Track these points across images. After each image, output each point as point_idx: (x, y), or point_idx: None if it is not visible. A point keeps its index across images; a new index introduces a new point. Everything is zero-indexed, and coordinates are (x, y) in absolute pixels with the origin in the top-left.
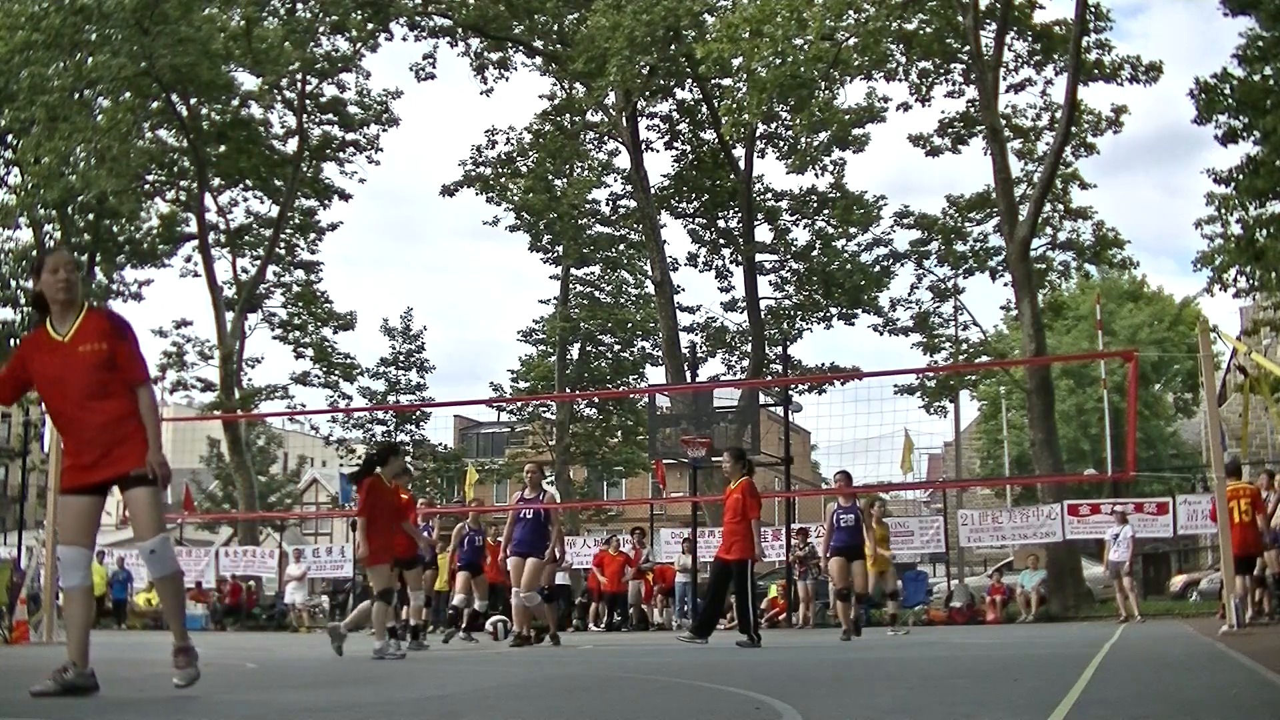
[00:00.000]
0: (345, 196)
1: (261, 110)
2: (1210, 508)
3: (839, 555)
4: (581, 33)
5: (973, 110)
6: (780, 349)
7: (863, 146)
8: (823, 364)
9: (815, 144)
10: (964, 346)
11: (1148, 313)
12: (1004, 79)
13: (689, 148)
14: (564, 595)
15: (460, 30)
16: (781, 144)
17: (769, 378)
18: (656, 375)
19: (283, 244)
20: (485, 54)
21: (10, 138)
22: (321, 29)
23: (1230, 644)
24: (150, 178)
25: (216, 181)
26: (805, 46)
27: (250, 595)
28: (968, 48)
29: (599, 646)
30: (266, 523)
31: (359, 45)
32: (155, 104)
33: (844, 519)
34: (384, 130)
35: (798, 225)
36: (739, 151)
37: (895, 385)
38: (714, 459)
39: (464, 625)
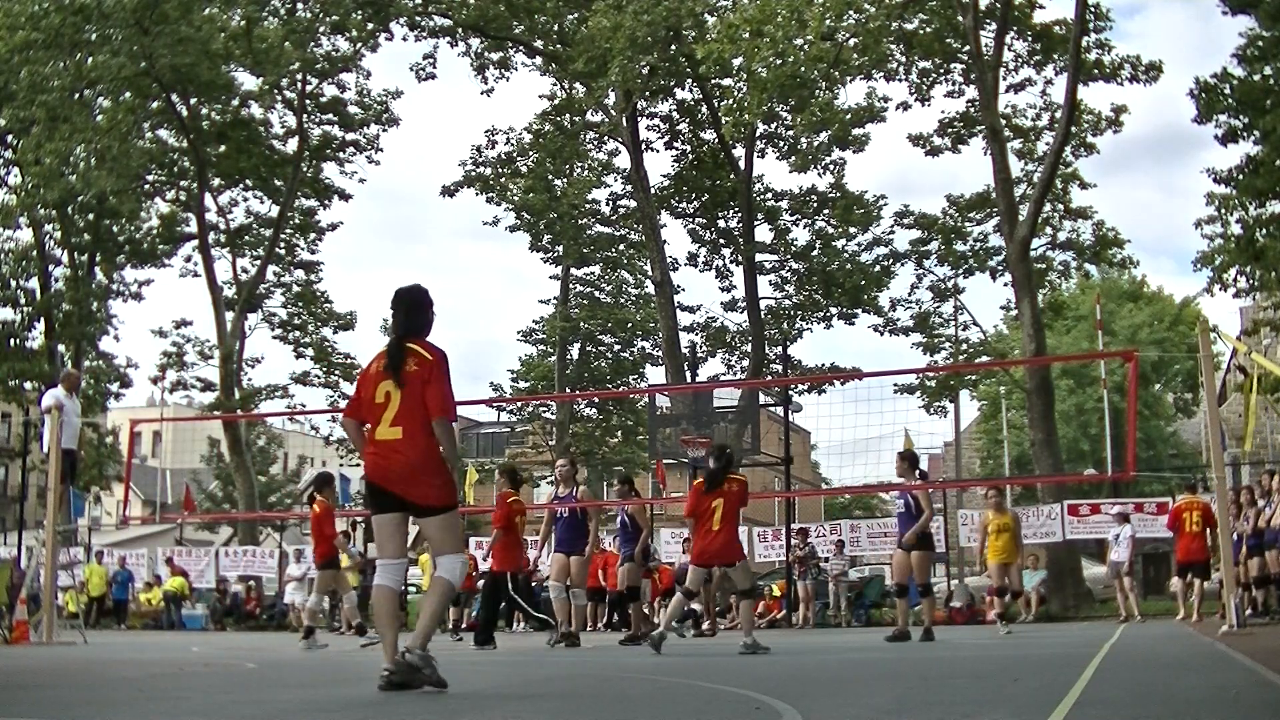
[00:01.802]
0: (345, 196)
1: (261, 110)
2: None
3: (899, 548)
4: (582, 33)
5: (973, 110)
6: (780, 349)
7: (863, 146)
8: (823, 364)
9: (815, 144)
10: (964, 346)
11: (1148, 313)
12: (1004, 79)
13: (689, 148)
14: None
15: (460, 30)
16: (781, 144)
17: (769, 378)
18: (656, 375)
19: (283, 244)
20: (485, 54)
21: (10, 138)
22: (321, 29)
23: (1230, 644)
24: (150, 178)
25: (216, 181)
26: (805, 46)
27: (250, 596)
28: (968, 48)
29: (599, 646)
30: (266, 523)
31: (359, 45)
32: (155, 104)
33: (898, 506)
34: (384, 130)
35: (798, 225)
36: (739, 151)
37: (895, 385)
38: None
39: None
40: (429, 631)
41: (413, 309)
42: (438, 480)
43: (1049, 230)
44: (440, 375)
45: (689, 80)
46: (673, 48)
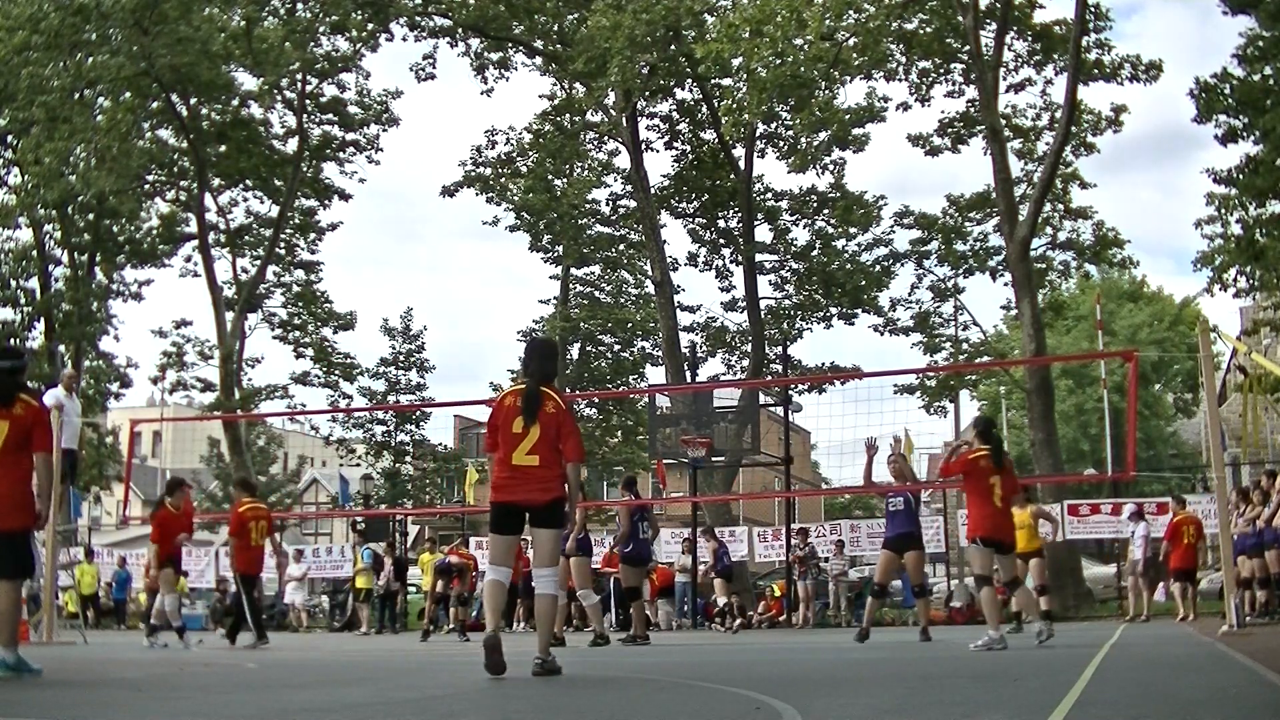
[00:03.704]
0: (345, 196)
1: (261, 110)
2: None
3: (887, 548)
4: (581, 33)
5: (973, 110)
6: (780, 349)
7: (863, 146)
8: (823, 364)
9: (815, 144)
10: (964, 346)
11: (1148, 313)
12: (1004, 79)
13: (689, 148)
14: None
15: (460, 30)
16: (781, 144)
17: (769, 378)
18: (656, 375)
19: (283, 244)
20: (485, 54)
21: (10, 138)
22: (321, 29)
23: (1230, 644)
24: (150, 178)
25: (216, 181)
26: (805, 46)
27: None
28: (968, 48)
29: (597, 645)
30: None
31: (359, 45)
32: (155, 104)
33: (892, 503)
34: (384, 130)
35: (798, 225)
36: (739, 151)
37: (895, 385)
38: (714, 459)
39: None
40: (548, 640)
41: (547, 357)
42: (560, 502)
43: (1049, 230)
44: (573, 424)
45: (689, 80)
46: (672, 47)
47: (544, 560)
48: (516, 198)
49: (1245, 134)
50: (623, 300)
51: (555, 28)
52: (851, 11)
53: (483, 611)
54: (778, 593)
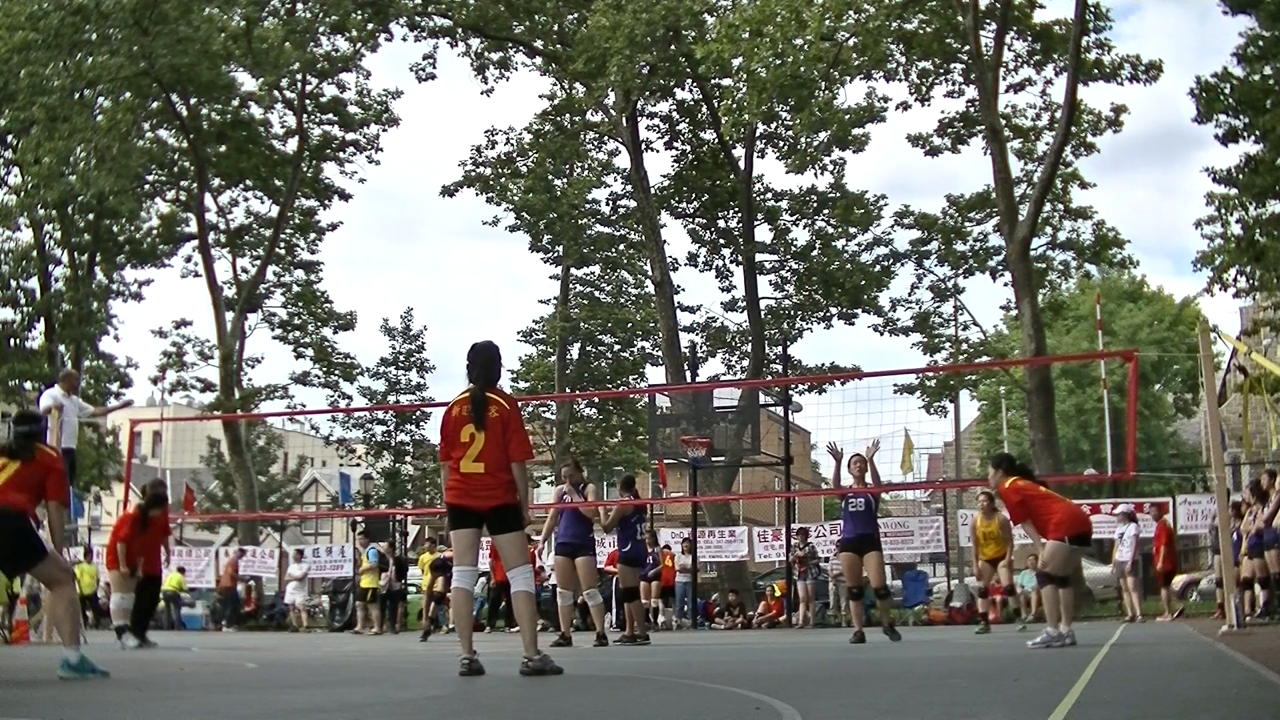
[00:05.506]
0: (345, 196)
1: (261, 110)
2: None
3: (847, 550)
4: (581, 33)
5: (973, 110)
6: (780, 349)
7: (863, 146)
8: (823, 364)
9: (815, 144)
10: (964, 346)
11: (1148, 313)
12: (1004, 79)
13: (689, 148)
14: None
15: (460, 30)
16: (781, 144)
17: (769, 378)
18: (656, 375)
19: (283, 244)
20: (485, 54)
21: (10, 138)
22: (321, 29)
23: (1230, 644)
24: (150, 178)
25: (216, 181)
26: (805, 46)
27: (249, 595)
28: (968, 48)
29: (599, 646)
30: (266, 523)
31: (359, 45)
32: (155, 104)
33: (853, 504)
34: (384, 130)
35: (798, 225)
36: (739, 151)
37: (895, 385)
38: (714, 459)
39: None
40: (533, 636)
41: (489, 363)
42: (513, 506)
43: (1049, 230)
44: (519, 423)
45: (689, 80)
46: (672, 47)
47: (512, 562)
48: (516, 198)
49: (1245, 134)
50: (623, 300)
51: (555, 28)
52: (851, 12)
53: (483, 612)
54: (778, 593)
